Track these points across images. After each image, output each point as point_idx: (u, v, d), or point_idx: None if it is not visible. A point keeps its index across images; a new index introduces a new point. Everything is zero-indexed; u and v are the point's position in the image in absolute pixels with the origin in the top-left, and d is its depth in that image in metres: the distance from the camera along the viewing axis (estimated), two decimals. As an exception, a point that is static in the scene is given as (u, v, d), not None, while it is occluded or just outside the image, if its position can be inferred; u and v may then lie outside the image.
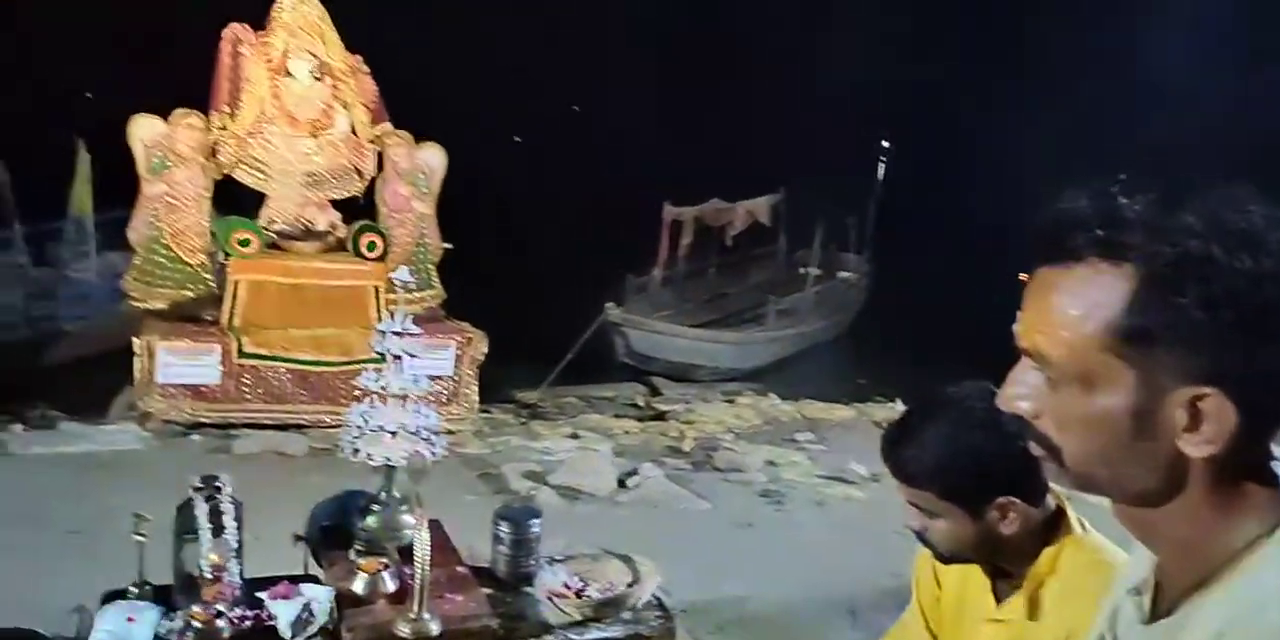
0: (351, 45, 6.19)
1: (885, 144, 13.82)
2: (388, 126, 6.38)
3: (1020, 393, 0.82)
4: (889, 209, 13.20)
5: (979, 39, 18.26)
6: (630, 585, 2.30)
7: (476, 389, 6.24)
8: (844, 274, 12.61)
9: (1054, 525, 1.44)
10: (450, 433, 5.66)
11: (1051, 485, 1.35)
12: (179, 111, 5.81)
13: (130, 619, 1.93)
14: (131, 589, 2.09)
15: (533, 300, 9.83)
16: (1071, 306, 0.76)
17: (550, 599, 2.22)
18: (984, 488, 1.40)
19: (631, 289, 10.33)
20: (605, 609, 2.20)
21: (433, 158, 6.46)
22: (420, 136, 6.49)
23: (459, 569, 2.30)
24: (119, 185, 6.18)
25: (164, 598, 2.07)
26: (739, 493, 5.15)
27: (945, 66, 18.28)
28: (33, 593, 2.44)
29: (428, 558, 1.99)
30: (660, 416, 7.36)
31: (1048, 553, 1.41)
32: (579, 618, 2.18)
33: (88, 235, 9.12)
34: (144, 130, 5.73)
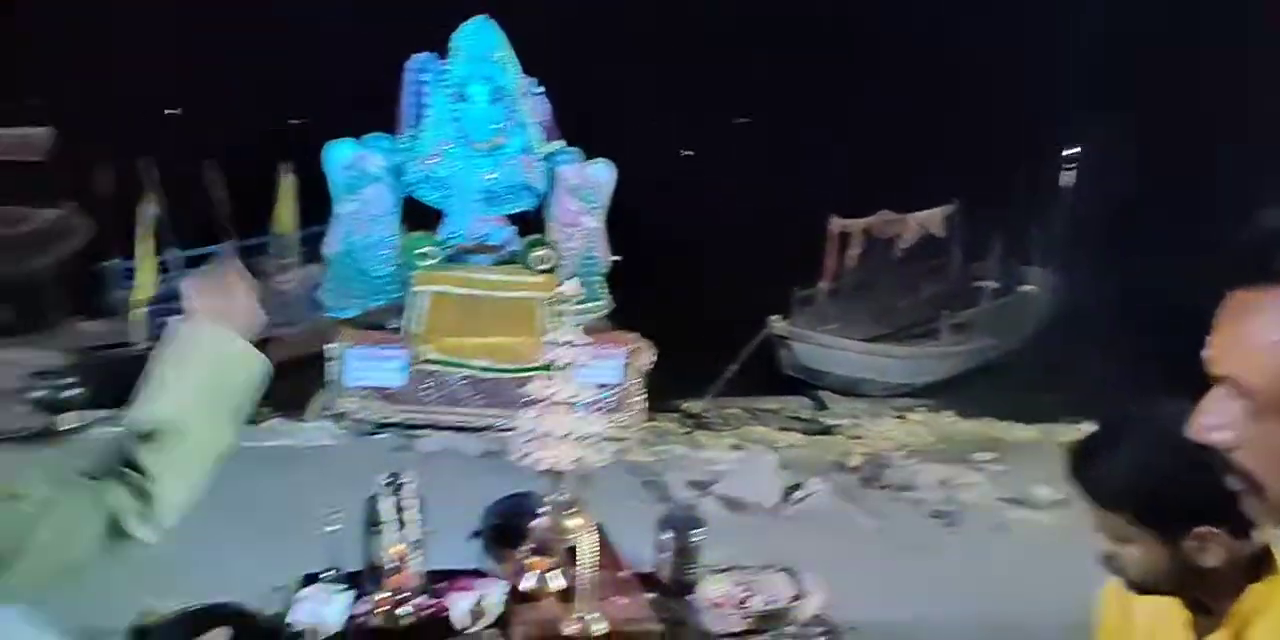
0: (527, 68, 6.46)
1: (1071, 151, 13.02)
2: (560, 144, 6.62)
3: (1214, 423, 0.76)
4: (1075, 219, 12.44)
5: (1173, 42, 16.98)
6: (794, 599, 2.27)
7: (643, 398, 6.34)
8: (1026, 287, 11.96)
9: (1262, 561, 1.30)
10: (616, 440, 5.80)
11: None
12: (371, 135, 6.24)
13: (324, 600, 2.08)
14: (326, 573, 2.25)
15: (698, 311, 9.90)
16: (1273, 332, 0.70)
17: (712, 608, 2.22)
18: (1180, 515, 1.29)
19: (797, 302, 10.20)
20: (768, 621, 2.18)
21: (602, 173, 6.64)
22: (591, 153, 6.69)
23: (623, 573, 2.34)
24: (320, 203, 6.70)
25: (354, 583, 2.22)
26: (910, 512, 4.97)
27: (1137, 67, 17.10)
28: (241, 573, 2.68)
29: (593, 560, 2.04)
30: (826, 431, 7.22)
31: (1256, 590, 1.28)
32: (741, 628, 2.17)
33: (291, 249, 9.94)
34: (339, 153, 6.20)
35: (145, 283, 8.10)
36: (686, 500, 4.84)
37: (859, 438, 6.68)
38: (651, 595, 2.28)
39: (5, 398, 5.68)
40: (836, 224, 10.47)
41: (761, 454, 5.89)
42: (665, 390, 7.19)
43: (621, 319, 6.79)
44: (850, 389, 9.31)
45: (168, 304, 8.70)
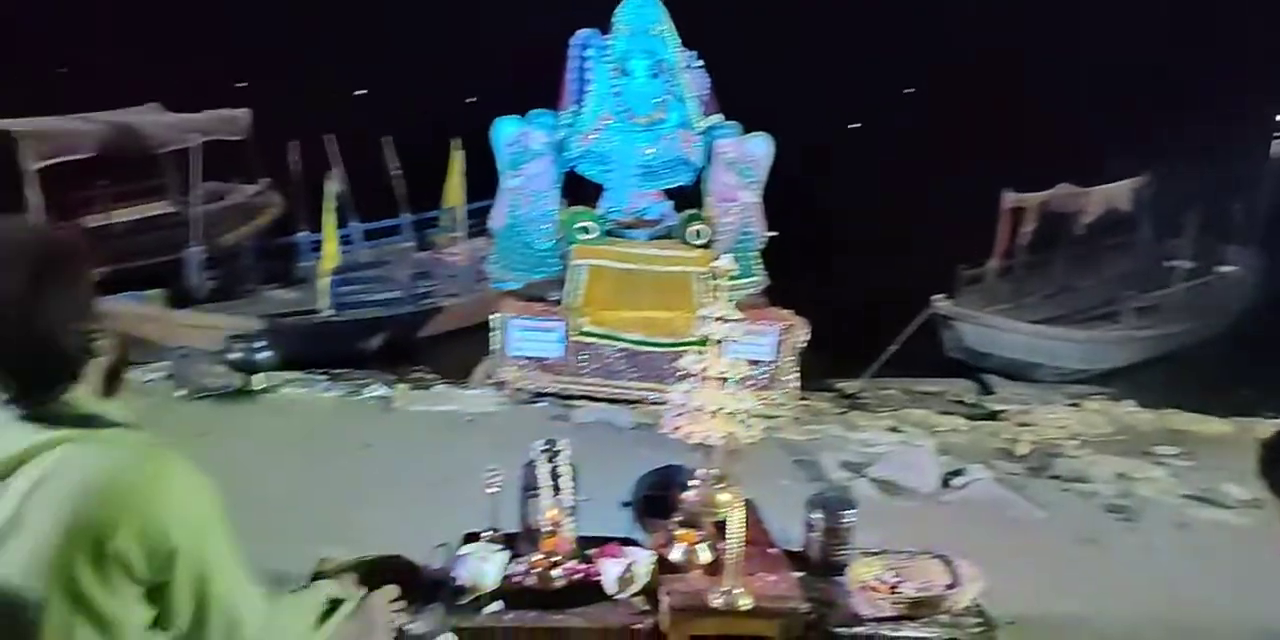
0: (687, 42, 6.43)
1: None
2: (719, 118, 6.57)
3: None
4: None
5: None
6: (949, 587, 2.20)
7: (796, 376, 6.27)
8: (1224, 268, 10.94)
9: None
10: (768, 418, 5.76)
11: None
12: (534, 112, 6.39)
13: (483, 558, 2.18)
14: (485, 533, 2.36)
15: (857, 289, 9.65)
16: None
17: (862, 591, 2.18)
18: None
19: (964, 280, 9.75)
20: (920, 608, 2.12)
21: (759, 147, 6.55)
22: (751, 126, 6.61)
23: (771, 550, 2.33)
24: (488, 179, 6.95)
25: (511, 544, 2.32)
26: (1081, 505, 4.70)
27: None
28: (407, 528, 2.84)
29: (741, 535, 2.04)
30: (992, 416, 6.90)
31: None
32: (892, 613, 2.12)
33: (459, 223, 10.37)
34: (505, 130, 6.39)
35: (329, 254, 8.66)
36: (840, 481, 4.76)
37: (1028, 425, 6.35)
38: (799, 574, 2.26)
39: (208, 358, 6.25)
40: (1010, 198, 9.89)
41: (921, 437, 5.71)
42: (820, 369, 7.06)
43: (776, 295, 6.71)
44: (1019, 373, 8.84)
45: (348, 274, 9.32)
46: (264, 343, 6.00)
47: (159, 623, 1.32)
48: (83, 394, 1.29)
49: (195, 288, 9.15)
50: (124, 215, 11.30)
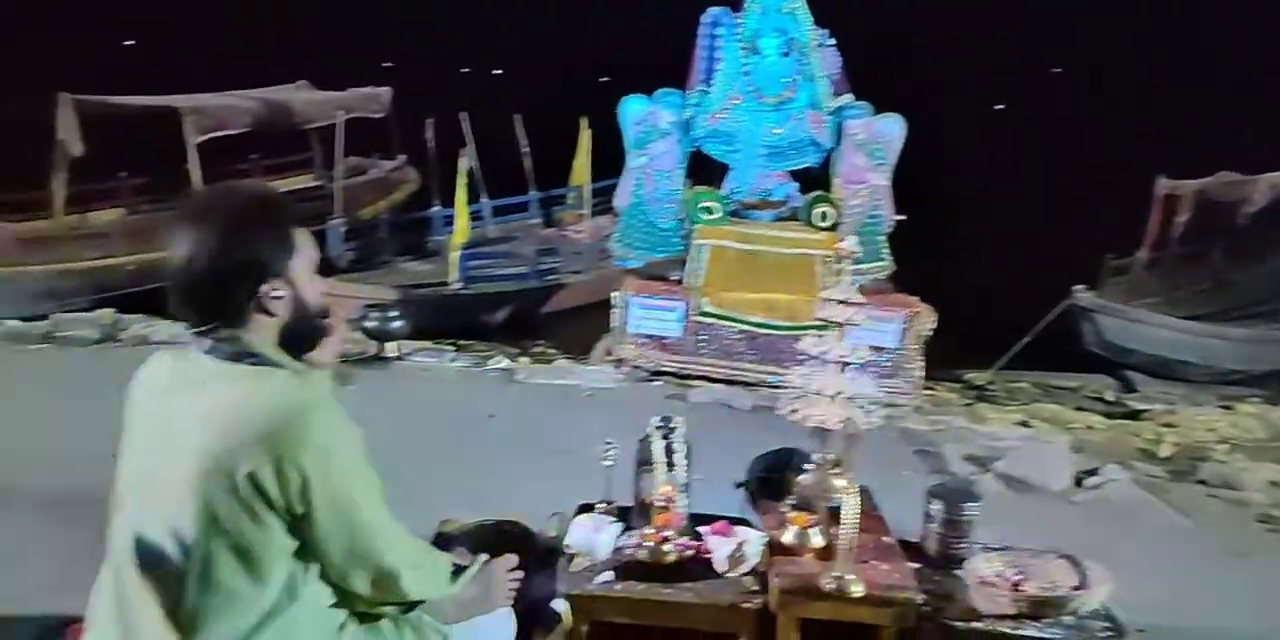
0: (819, 20, 6.28)
1: None
2: (849, 98, 6.41)
3: None
4: None
5: None
6: (1075, 589, 2.10)
7: (921, 364, 6.09)
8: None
9: None
10: (889, 406, 5.62)
11: None
12: (661, 91, 6.39)
13: (597, 529, 2.22)
14: (599, 504, 2.40)
15: (990, 277, 9.26)
16: None
17: (981, 586, 2.11)
18: None
19: (1109, 271, 9.22)
20: (1043, 608, 2.04)
21: (891, 128, 6.36)
22: (882, 107, 6.42)
23: (885, 539, 2.29)
24: (615, 157, 7.00)
25: (624, 516, 2.35)
26: (1230, 514, 4.39)
27: None
28: (524, 496, 2.92)
29: (855, 521, 2.01)
30: (1133, 415, 6.53)
31: None
32: (1012, 611, 2.04)
33: (585, 201, 10.51)
34: (633, 108, 6.41)
35: (460, 229, 8.93)
36: (963, 474, 4.61)
37: (1172, 426, 5.98)
38: (915, 565, 2.20)
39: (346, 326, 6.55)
40: (1164, 185, 9.27)
41: (1053, 433, 5.46)
42: (947, 358, 6.84)
43: (904, 281, 6.52)
44: (1165, 371, 8.31)
45: (476, 249, 9.59)
46: (397, 312, 6.25)
47: (304, 555, 1.43)
48: (256, 336, 1.44)
49: (335, 258, 9.60)
50: (274, 188, 11.93)
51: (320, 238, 9.69)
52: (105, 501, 1.51)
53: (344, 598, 1.51)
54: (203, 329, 1.43)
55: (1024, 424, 5.70)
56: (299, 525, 1.40)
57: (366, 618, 1.56)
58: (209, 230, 1.40)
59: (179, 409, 1.41)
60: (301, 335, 1.49)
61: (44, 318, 6.84)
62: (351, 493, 1.41)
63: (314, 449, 1.35)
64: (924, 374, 6.16)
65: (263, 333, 1.45)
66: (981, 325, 7.64)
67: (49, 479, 3.67)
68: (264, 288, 1.43)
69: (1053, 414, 6.12)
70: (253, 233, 1.43)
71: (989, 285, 8.95)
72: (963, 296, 7.23)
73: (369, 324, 6.14)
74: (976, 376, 7.42)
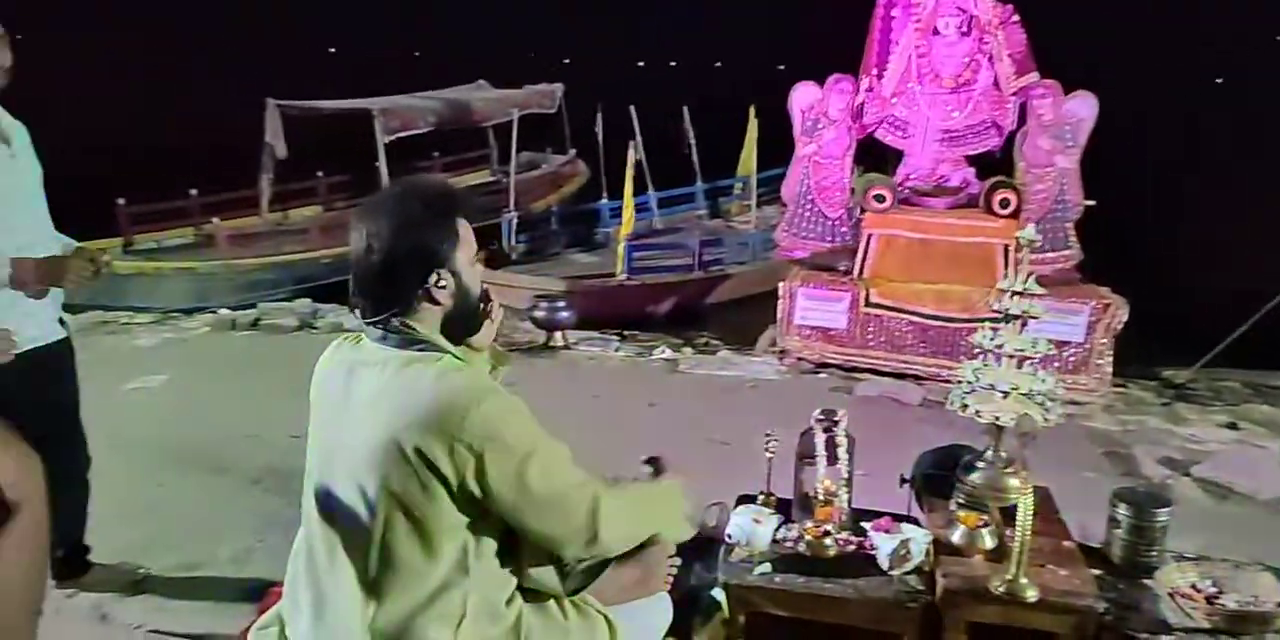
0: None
1: None
2: (1034, 77, 6.02)
3: None
4: None
5: None
6: (1282, 606, 1.91)
7: (1110, 360, 5.67)
8: None
9: None
10: (1074, 404, 5.28)
11: None
12: (833, 77, 6.24)
13: (756, 520, 2.21)
14: (759, 496, 2.39)
15: (1191, 266, 8.51)
16: None
17: (1172, 597, 1.95)
18: None
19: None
20: (1243, 624, 1.87)
21: (1081, 107, 5.93)
22: (1073, 85, 6.00)
23: (1065, 543, 2.16)
24: (781, 147, 6.90)
25: (784, 509, 2.33)
26: None
27: None
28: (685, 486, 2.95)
29: (1030, 523, 1.91)
30: (1362, 420, 5.82)
31: None
32: (1207, 626, 1.88)
33: (751, 192, 10.45)
34: (803, 96, 6.29)
35: (627, 220, 9.09)
36: (1156, 478, 4.28)
37: None
38: (1097, 572, 2.07)
39: (515, 316, 6.82)
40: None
41: (1265, 438, 4.97)
42: (1140, 354, 6.33)
43: (1093, 271, 6.08)
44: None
45: (642, 240, 9.73)
46: (565, 303, 6.43)
47: (476, 531, 1.49)
48: (422, 324, 1.53)
49: (508, 250, 9.99)
50: (453, 183, 12.58)
51: (495, 231, 10.21)
52: (299, 475, 1.64)
53: (514, 573, 1.58)
54: (375, 320, 1.54)
55: (1231, 426, 5.20)
56: (474, 503, 1.47)
57: (533, 595, 1.62)
58: (382, 225, 1.50)
59: (355, 391, 1.52)
60: (463, 321, 1.57)
61: (251, 306, 7.51)
62: (530, 469, 1.47)
63: (481, 430, 1.43)
64: (1114, 370, 5.74)
65: (428, 320, 1.54)
66: (1182, 319, 7.04)
67: (253, 453, 4.04)
68: (431, 278, 1.51)
69: (1266, 416, 5.55)
70: (420, 227, 1.51)
71: (1191, 275, 8.22)
72: (1161, 287, 6.68)
73: (538, 314, 6.36)
74: (1176, 374, 6.82)
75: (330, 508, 1.54)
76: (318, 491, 1.57)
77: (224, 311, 7.39)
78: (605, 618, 1.67)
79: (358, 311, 1.56)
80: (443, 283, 1.52)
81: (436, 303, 1.53)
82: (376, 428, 1.45)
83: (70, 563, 2.79)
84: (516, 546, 1.58)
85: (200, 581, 2.95)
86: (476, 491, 1.45)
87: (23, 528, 1.35)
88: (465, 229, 1.56)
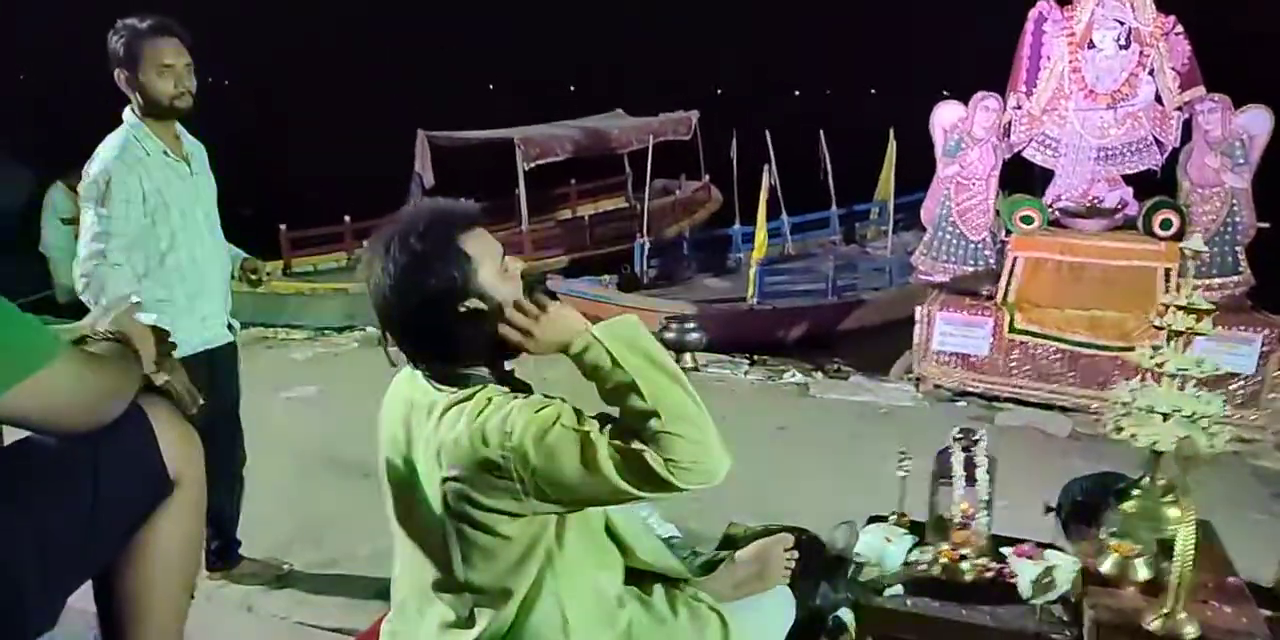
0: (1164, 6, 5.63)
1: None
2: (1200, 91, 5.65)
3: None
4: None
5: None
6: None
7: (1286, 395, 5.21)
8: None
9: None
10: (1242, 441, 4.86)
11: None
12: (979, 94, 6.04)
13: (888, 540, 2.12)
14: (891, 516, 2.30)
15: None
16: None
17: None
18: None
19: None
20: None
21: (1255, 123, 5.52)
22: (1245, 100, 5.60)
23: (1230, 580, 1.98)
24: (920, 171, 6.72)
25: (918, 531, 2.23)
26: None
27: None
28: (815, 507, 2.88)
29: (1190, 555, 1.75)
30: None
31: None
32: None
33: (887, 217, 10.22)
34: (946, 115, 6.11)
35: (759, 245, 9.04)
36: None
37: None
38: (1267, 612, 1.88)
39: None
40: None
41: None
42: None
43: (1267, 298, 5.61)
44: None
45: (775, 265, 9.65)
46: (694, 324, 6.43)
47: (561, 538, 1.46)
48: (466, 358, 1.46)
49: (641, 274, 10.11)
50: (587, 210, 12.87)
51: (627, 256, 10.38)
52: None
53: (614, 573, 1.55)
54: (421, 364, 1.49)
55: None
56: (544, 501, 1.36)
57: (644, 588, 1.58)
58: (387, 270, 1.40)
59: (412, 431, 1.48)
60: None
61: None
62: (564, 474, 1.33)
63: (518, 438, 1.33)
64: (1290, 406, 5.26)
65: (474, 346, 1.45)
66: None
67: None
68: (459, 309, 1.41)
69: None
70: (426, 262, 1.38)
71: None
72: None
73: (668, 334, 6.38)
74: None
75: (407, 529, 1.55)
76: (396, 513, 1.56)
77: (371, 329, 7.76)
78: (719, 614, 1.60)
79: (409, 363, 1.50)
80: (473, 307, 1.42)
81: (475, 328, 1.42)
82: (431, 470, 1.42)
83: (222, 554, 2.97)
84: (614, 546, 1.55)
85: (339, 578, 3.08)
86: (545, 489, 1.34)
87: (182, 502, 1.44)
88: (478, 242, 1.43)
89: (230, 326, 2.83)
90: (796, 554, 1.80)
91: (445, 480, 1.40)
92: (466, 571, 1.44)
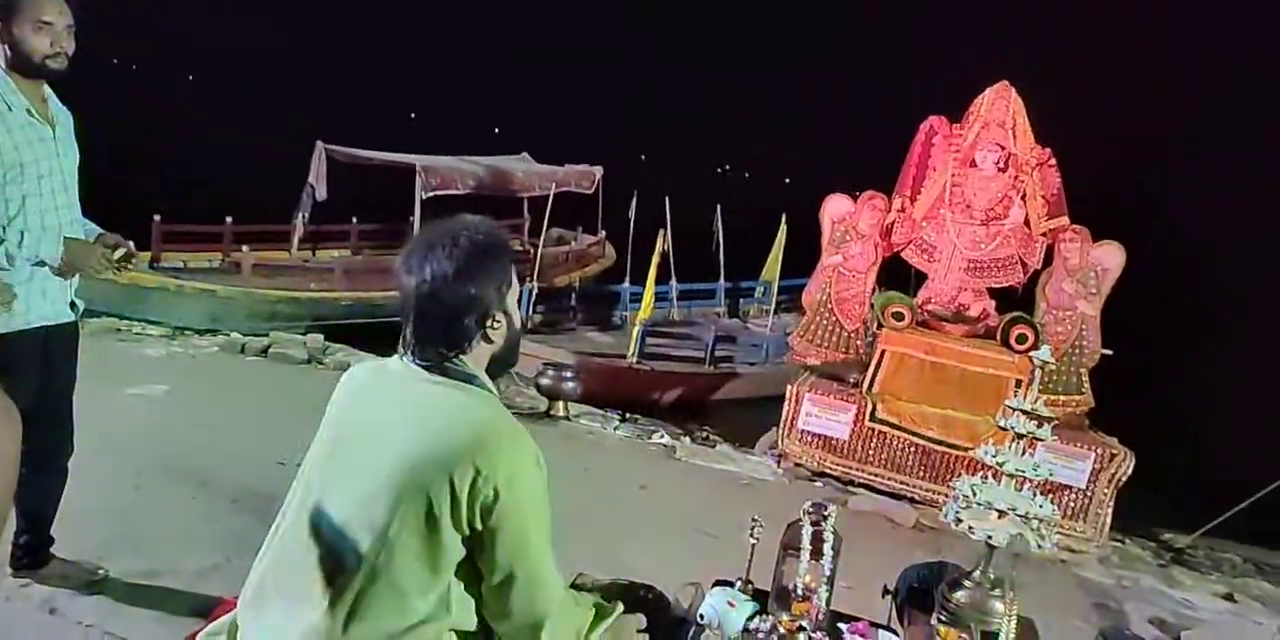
0: (1042, 138, 6.14)
1: None
2: (1064, 221, 6.16)
3: None
4: None
5: None
6: None
7: (1110, 512, 5.57)
8: None
9: None
10: (1070, 550, 5.17)
11: None
12: (867, 193, 6.40)
13: (730, 604, 2.15)
14: (737, 582, 2.33)
15: (1207, 428, 8.42)
16: None
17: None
18: None
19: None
20: None
21: (1109, 257, 6.04)
22: (1101, 234, 6.12)
23: (1045, 675, 2.08)
24: (805, 256, 7.02)
25: (760, 599, 2.27)
26: None
27: None
28: (664, 566, 2.87)
29: (1013, 646, 1.85)
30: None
31: None
32: None
33: (771, 296, 10.58)
34: (835, 208, 6.44)
35: (646, 306, 9.18)
36: (1148, 638, 4.14)
37: None
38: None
39: (522, 381, 6.82)
40: None
41: (1263, 615, 4.82)
42: (1141, 512, 6.24)
43: (1103, 421, 6.04)
44: None
45: (658, 328, 9.78)
46: (571, 374, 6.44)
47: (464, 573, 1.47)
48: (475, 363, 1.58)
49: (526, 319, 10.07)
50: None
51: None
52: (279, 500, 1.62)
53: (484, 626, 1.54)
54: (428, 361, 1.55)
55: (1228, 597, 5.05)
56: (473, 539, 1.46)
57: None
58: (444, 269, 1.50)
59: (386, 412, 1.52)
60: (507, 356, 1.64)
61: (265, 335, 7.55)
62: (528, 524, 1.48)
63: (508, 470, 1.44)
64: (1112, 523, 5.63)
65: (479, 358, 1.59)
66: (1189, 481, 6.93)
67: (236, 473, 3.99)
68: (488, 322, 1.56)
69: (1266, 594, 5.40)
70: (482, 274, 1.53)
71: (1205, 437, 8.14)
72: (1170, 446, 6.61)
73: (543, 380, 6.35)
74: (1176, 538, 6.68)
75: (322, 523, 1.50)
76: (314, 506, 1.53)
77: (236, 335, 7.43)
78: None
79: (410, 352, 1.56)
80: (497, 324, 1.57)
81: (490, 342, 1.58)
82: (409, 450, 1.44)
83: (31, 550, 2.74)
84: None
85: (159, 591, 2.88)
86: (479, 527, 1.44)
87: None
88: (514, 272, 1.61)
89: (74, 305, 2.64)
90: (647, 637, 1.81)
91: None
92: (376, 572, 1.43)
